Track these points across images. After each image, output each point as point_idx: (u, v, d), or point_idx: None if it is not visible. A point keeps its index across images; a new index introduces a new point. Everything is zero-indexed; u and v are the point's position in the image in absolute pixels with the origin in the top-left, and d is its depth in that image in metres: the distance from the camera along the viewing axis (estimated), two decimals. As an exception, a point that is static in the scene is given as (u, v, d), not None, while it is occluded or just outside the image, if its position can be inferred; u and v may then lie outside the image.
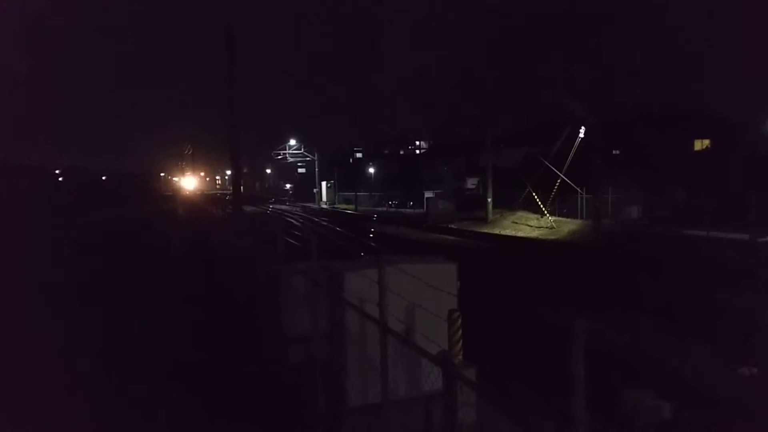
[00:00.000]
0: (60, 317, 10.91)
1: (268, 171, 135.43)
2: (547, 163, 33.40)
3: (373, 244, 26.65)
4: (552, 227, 31.78)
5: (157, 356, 8.59)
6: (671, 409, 6.80)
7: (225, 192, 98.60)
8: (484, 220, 35.95)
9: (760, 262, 17.87)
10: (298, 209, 60.70)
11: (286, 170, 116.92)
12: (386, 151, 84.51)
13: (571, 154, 32.41)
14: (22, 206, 42.81)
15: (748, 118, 36.74)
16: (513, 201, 36.79)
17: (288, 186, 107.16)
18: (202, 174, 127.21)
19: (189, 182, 73.83)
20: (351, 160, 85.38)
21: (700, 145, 38.67)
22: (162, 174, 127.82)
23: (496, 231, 33.29)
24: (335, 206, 66.73)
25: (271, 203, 73.98)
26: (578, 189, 32.63)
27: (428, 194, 50.04)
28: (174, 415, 6.55)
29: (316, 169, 73.14)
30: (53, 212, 42.53)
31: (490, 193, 36.34)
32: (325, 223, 40.23)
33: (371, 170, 70.51)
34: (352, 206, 61.27)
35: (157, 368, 8.07)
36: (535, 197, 33.88)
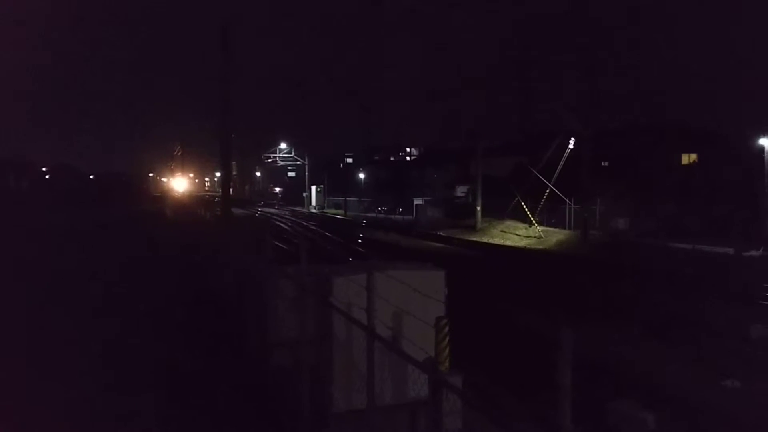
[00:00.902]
0: (46, 315, 10.80)
1: (258, 174, 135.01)
2: (536, 173, 33.58)
3: (361, 249, 26.62)
4: (540, 237, 31.92)
5: (138, 357, 8.51)
6: (656, 420, 6.84)
7: (214, 194, 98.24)
8: (473, 228, 36.04)
9: (745, 276, 18.05)
10: (287, 213, 60.53)
11: (276, 173, 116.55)
12: (377, 157, 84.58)
13: (561, 164, 32.62)
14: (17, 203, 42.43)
15: (734, 133, 37.23)
16: (502, 210, 36.93)
17: (277, 189, 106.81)
18: (191, 175, 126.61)
19: (178, 183, 73.48)
20: (341, 165, 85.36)
21: (687, 159, 39.09)
22: (151, 174, 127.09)
23: (485, 239, 33.38)
24: (324, 211, 66.60)
25: (260, 206, 73.71)
26: (567, 199, 32.82)
27: (418, 201, 50.09)
28: (155, 417, 6.49)
29: (306, 173, 73.02)
30: (46, 209, 42.18)
31: (479, 202, 36.47)
32: (313, 228, 40.14)
33: (361, 176, 70.56)
34: (341, 211, 61.19)
35: (138, 369, 7.99)
36: (524, 207, 34.03)
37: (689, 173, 34.80)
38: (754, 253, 21.61)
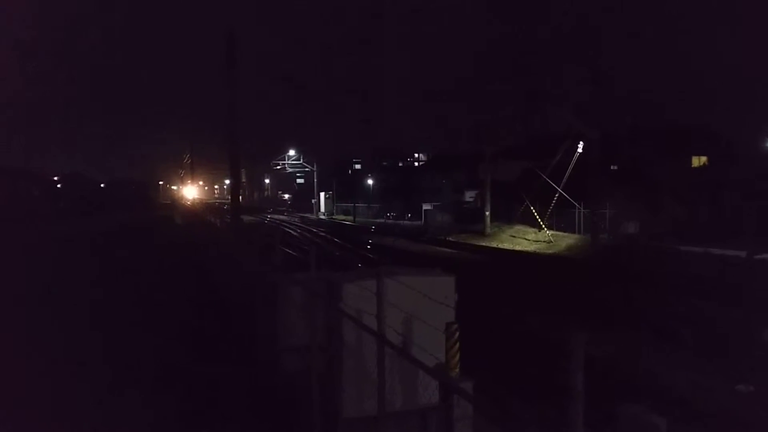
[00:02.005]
0: (53, 315, 10.88)
1: (267, 181, 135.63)
2: (545, 177, 33.48)
3: (371, 255, 26.62)
4: (550, 241, 31.80)
5: (149, 361, 8.55)
6: (668, 425, 6.78)
7: (223, 201, 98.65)
8: (482, 233, 35.97)
9: (758, 280, 17.88)
10: (296, 220, 60.68)
11: (285, 180, 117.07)
12: (385, 163, 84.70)
13: (570, 168, 32.51)
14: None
15: (745, 135, 37.05)
16: (511, 214, 36.82)
17: (287, 196, 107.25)
18: (201, 183, 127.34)
19: (188, 191, 73.95)
20: (350, 171, 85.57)
21: (697, 161, 38.87)
22: (161, 182, 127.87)
23: (494, 244, 33.29)
24: (333, 217, 66.71)
25: (270, 213, 73.94)
26: (576, 203, 32.69)
27: (426, 206, 50.07)
28: (165, 422, 6.52)
29: (315, 180, 73.21)
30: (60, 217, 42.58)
31: (488, 207, 36.39)
32: (323, 234, 40.21)
33: (370, 182, 70.64)
34: (350, 217, 61.26)
35: (149, 373, 8.03)
36: (533, 211, 33.93)
37: (700, 176, 34.57)
38: (766, 255, 21.41)
